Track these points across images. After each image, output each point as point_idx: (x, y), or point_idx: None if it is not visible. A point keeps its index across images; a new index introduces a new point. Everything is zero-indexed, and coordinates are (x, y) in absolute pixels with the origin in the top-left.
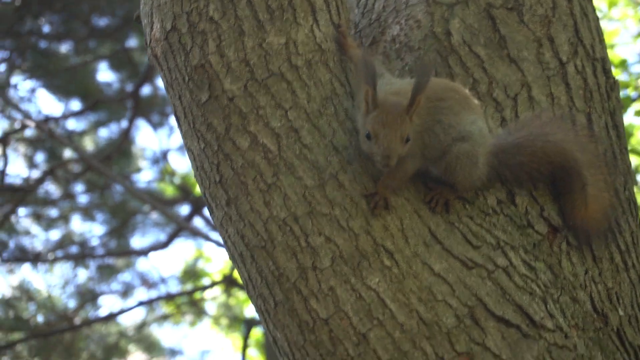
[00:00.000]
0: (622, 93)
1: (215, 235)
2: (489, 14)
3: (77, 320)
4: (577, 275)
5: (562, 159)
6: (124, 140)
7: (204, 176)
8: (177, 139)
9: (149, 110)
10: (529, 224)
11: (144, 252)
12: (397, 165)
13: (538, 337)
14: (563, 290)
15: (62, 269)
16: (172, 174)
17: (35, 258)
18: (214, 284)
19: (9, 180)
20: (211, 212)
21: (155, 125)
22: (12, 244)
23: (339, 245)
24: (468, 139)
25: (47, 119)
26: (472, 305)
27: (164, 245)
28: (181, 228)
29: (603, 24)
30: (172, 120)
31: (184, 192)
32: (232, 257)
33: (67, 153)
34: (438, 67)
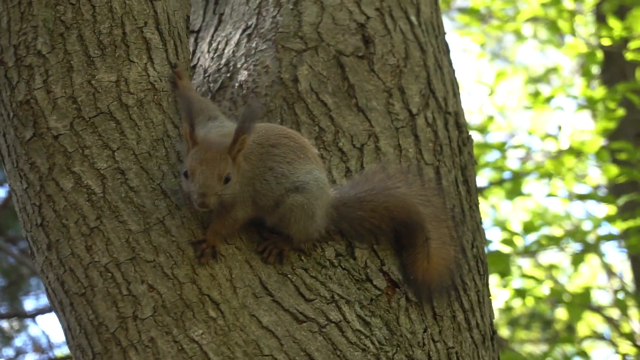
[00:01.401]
0: None
1: None
2: (338, 62)
3: None
4: (415, 332)
5: (404, 214)
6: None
7: (26, 218)
8: None
9: None
10: (368, 278)
11: (32, 315)
12: (226, 211)
13: None
14: (399, 348)
15: None
16: None
17: None
18: None
19: None
20: (33, 257)
21: None
22: None
23: (162, 294)
24: (302, 190)
25: None
26: None
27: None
28: None
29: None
30: None
31: None
32: (52, 306)
33: None
34: (284, 114)
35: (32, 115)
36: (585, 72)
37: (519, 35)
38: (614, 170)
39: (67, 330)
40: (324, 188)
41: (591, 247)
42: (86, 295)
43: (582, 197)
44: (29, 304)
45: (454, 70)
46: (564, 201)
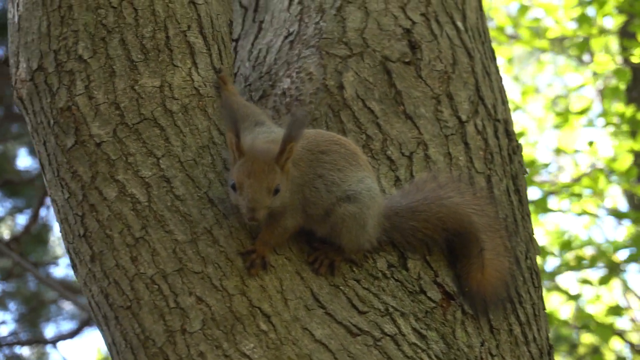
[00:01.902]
0: None
1: None
2: (384, 68)
3: None
4: (472, 346)
5: (458, 224)
6: (33, 223)
7: (68, 229)
8: None
9: None
10: (421, 290)
11: (53, 342)
12: (276, 220)
13: None
14: None
15: None
16: None
17: None
18: None
19: None
20: (75, 270)
21: None
22: None
23: (211, 307)
24: (354, 200)
25: None
26: None
27: (73, 334)
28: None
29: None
30: None
31: None
32: (96, 320)
33: None
34: (329, 122)
35: (73, 122)
36: (613, 90)
37: (544, 53)
38: None
39: (112, 345)
40: (375, 197)
41: (616, 269)
42: (132, 308)
43: (618, 215)
44: (50, 331)
45: (501, 78)
46: (592, 221)
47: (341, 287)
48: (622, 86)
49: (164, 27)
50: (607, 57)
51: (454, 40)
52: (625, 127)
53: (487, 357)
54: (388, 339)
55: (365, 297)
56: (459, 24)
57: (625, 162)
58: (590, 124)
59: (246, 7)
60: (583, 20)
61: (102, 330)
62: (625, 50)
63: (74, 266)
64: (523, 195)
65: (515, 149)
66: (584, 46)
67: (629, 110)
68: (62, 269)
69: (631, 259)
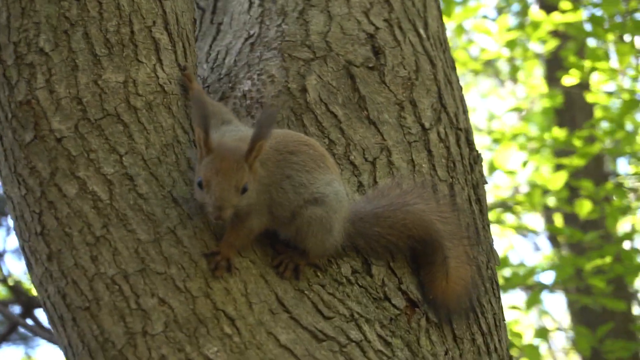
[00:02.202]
0: None
1: (50, 335)
2: (348, 72)
3: None
4: (436, 355)
5: (423, 231)
6: None
7: (24, 227)
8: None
9: None
10: (386, 296)
11: None
12: (241, 221)
13: None
14: None
15: None
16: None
17: None
18: None
19: None
20: (30, 270)
21: None
22: None
23: (174, 309)
24: (322, 203)
25: None
26: None
27: None
28: (12, 328)
29: None
30: (10, 220)
31: (17, 294)
32: (51, 322)
33: None
34: (291, 126)
35: (32, 117)
36: (545, 112)
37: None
38: (587, 206)
39: (68, 347)
40: (342, 201)
41: (539, 292)
42: (91, 309)
43: (554, 230)
44: None
45: (461, 87)
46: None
47: (306, 292)
48: (551, 108)
49: (129, 21)
50: (539, 79)
51: (416, 47)
52: (554, 147)
53: None
54: (354, 345)
55: (331, 303)
56: (421, 31)
57: (559, 181)
58: (523, 145)
59: (204, 9)
60: (513, 44)
61: (57, 332)
62: (556, 73)
63: (28, 265)
64: (483, 204)
65: (475, 159)
66: (516, 69)
67: (562, 133)
68: None
69: (558, 282)
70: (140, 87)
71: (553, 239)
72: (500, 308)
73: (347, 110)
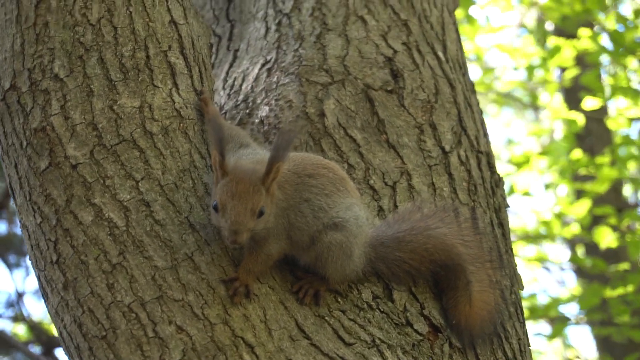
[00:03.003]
0: None
1: None
2: (367, 96)
3: None
4: None
5: (445, 255)
6: None
7: (39, 256)
8: (33, 281)
9: (5, 249)
10: (408, 322)
11: None
12: (259, 246)
13: None
14: None
15: None
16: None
17: None
18: None
19: None
20: (46, 300)
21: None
22: None
23: (192, 336)
24: (342, 228)
25: None
26: None
27: None
28: None
29: None
30: (29, 260)
31: (37, 334)
32: (67, 352)
33: None
34: (310, 151)
35: (48, 143)
36: (565, 138)
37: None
38: (607, 234)
39: None
40: (362, 226)
41: (563, 324)
42: (107, 338)
43: (576, 260)
44: None
45: (481, 111)
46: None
47: (326, 318)
48: (572, 134)
49: (144, 46)
50: (560, 105)
51: (435, 70)
52: (583, 171)
53: None
54: None
55: (352, 329)
56: (440, 54)
57: (582, 208)
58: (543, 171)
59: (220, 36)
60: (532, 70)
61: None
62: (576, 99)
63: (44, 295)
64: (506, 228)
65: (497, 182)
66: (535, 97)
67: (583, 157)
68: None
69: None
70: (156, 112)
71: (578, 270)
72: (525, 333)
73: (366, 134)
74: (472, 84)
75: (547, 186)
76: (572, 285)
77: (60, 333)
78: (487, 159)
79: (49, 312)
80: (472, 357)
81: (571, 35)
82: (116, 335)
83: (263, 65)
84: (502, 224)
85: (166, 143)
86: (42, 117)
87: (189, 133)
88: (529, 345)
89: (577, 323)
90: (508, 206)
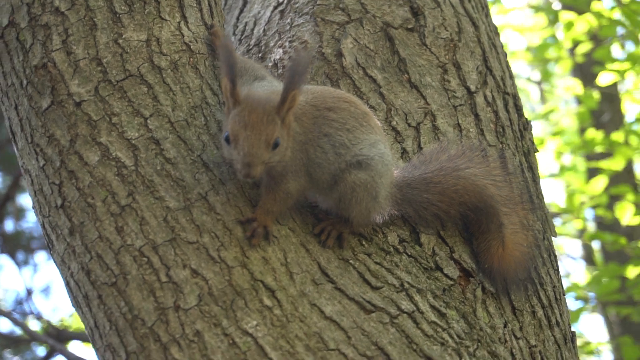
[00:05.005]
0: None
1: None
2: (386, 34)
3: None
4: (495, 327)
5: (476, 197)
6: None
7: (43, 201)
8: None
9: (13, 247)
10: (437, 266)
11: None
12: (277, 184)
13: None
14: (480, 344)
15: None
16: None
17: None
18: None
19: None
20: (51, 248)
21: (20, 264)
22: None
23: (208, 280)
24: (366, 167)
25: None
26: (372, 355)
27: None
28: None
29: None
30: (37, 257)
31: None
32: (75, 303)
33: None
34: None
35: (49, 81)
36: (581, 115)
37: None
38: (629, 210)
39: (94, 328)
40: (388, 165)
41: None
42: (117, 284)
43: (595, 237)
44: None
45: (506, 54)
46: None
47: (351, 261)
48: (588, 110)
49: None
50: (574, 80)
51: (457, 8)
52: (600, 149)
53: (512, 339)
54: (405, 316)
55: (378, 272)
56: None
57: (598, 185)
58: (564, 148)
59: None
60: (545, 47)
61: (82, 313)
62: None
63: (49, 243)
64: (536, 173)
65: (525, 125)
66: (548, 74)
67: (598, 134)
68: None
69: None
70: (164, 45)
71: (589, 259)
72: (560, 281)
73: (387, 74)
74: (495, 27)
75: (562, 168)
76: (581, 278)
77: (67, 283)
78: (514, 100)
79: (54, 261)
80: (506, 303)
81: (581, 12)
82: (127, 281)
83: (275, 7)
84: (532, 168)
85: (175, 78)
86: (43, 53)
87: (200, 68)
88: (564, 294)
89: (593, 310)
90: (537, 150)
